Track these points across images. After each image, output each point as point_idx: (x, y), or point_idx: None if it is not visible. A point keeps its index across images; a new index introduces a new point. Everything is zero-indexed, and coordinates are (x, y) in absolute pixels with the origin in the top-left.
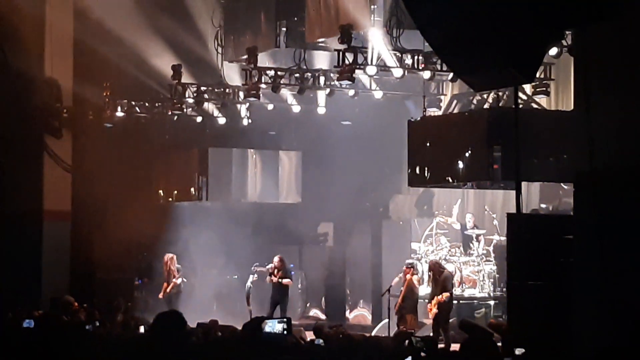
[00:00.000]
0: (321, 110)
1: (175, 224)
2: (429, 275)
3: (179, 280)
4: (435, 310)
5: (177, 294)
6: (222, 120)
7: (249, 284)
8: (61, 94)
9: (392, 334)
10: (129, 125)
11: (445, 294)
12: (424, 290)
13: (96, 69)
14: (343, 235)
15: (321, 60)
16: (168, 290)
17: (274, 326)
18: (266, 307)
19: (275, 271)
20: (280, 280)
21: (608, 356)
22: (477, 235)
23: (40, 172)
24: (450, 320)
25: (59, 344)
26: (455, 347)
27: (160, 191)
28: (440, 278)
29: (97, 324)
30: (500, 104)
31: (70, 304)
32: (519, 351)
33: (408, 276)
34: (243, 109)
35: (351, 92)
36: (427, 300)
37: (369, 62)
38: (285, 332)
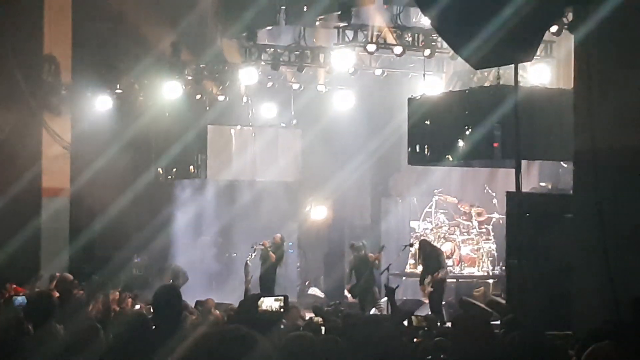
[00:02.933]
0: (321, 87)
1: (174, 201)
2: (420, 255)
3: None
4: (430, 288)
5: (178, 274)
6: (221, 98)
7: (248, 262)
8: (60, 70)
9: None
10: (128, 102)
11: (442, 271)
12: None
13: (95, 46)
14: (342, 213)
15: (321, 37)
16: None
17: (270, 304)
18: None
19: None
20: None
21: (606, 334)
22: None
23: (38, 149)
24: (450, 299)
25: (52, 321)
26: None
27: (160, 169)
28: (433, 255)
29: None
30: (501, 82)
31: (69, 282)
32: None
33: (373, 255)
34: (242, 87)
35: (351, 70)
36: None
37: (369, 40)
38: (282, 309)
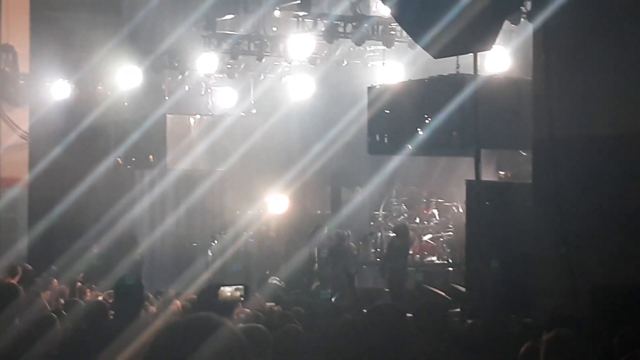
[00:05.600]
0: (280, 76)
1: (134, 191)
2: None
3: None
4: (388, 275)
5: (140, 264)
6: (180, 87)
7: (209, 252)
8: (17, 60)
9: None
10: (87, 92)
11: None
12: None
13: (53, 35)
14: (302, 203)
15: (281, 26)
16: None
17: (230, 293)
18: (226, 275)
19: None
20: None
21: (563, 322)
22: None
23: None
24: (410, 287)
25: (12, 313)
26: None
27: (119, 158)
28: (402, 250)
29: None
30: (459, 71)
31: (28, 272)
32: None
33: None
34: (202, 76)
35: (310, 59)
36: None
37: (328, 28)
38: (242, 298)
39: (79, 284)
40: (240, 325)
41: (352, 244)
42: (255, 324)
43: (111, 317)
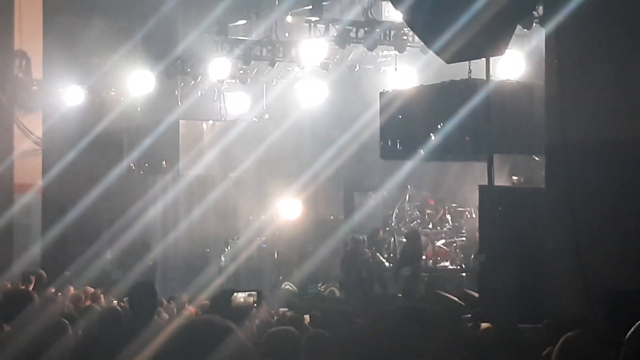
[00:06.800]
0: (293, 81)
1: (147, 196)
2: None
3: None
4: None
5: (153, 270)
6: (193, 92)
7: (222, 257)
8: (30, 66)
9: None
10: (100, 97)
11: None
12: None
13: (66, 41)
14: (315, 208)
15: (293, 32)
16: None
17: (243, 299)
18: (239, 280)
19: None
20: None
21: (576, 326)
22: None
23: (10, 145)
24: (423, 292)
25: (25, 319)
26: None
27: (132, 164)
28: (415, 254)
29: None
30: (472, 76)
31: (42, 278)
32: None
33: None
34: (214, 81)
35: (323, 64)
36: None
37: (340, 34)
38: (255, 304)
39: (92, 289)
40: (274, 328)
41: (366, 249)
42: (286, 326)
43: (124, 322)
